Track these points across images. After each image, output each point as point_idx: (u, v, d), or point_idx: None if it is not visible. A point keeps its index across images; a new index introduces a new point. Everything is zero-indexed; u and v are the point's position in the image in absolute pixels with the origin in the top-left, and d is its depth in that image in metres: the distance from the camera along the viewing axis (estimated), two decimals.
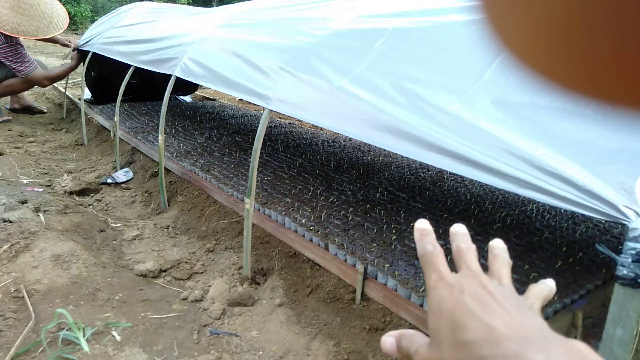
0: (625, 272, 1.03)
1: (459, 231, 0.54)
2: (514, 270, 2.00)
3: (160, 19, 4.28)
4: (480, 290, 0.42)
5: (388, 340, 0.48)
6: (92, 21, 26.83)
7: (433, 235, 0.51)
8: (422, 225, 0.52)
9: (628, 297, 1.04)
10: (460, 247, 0.51)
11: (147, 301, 2.12)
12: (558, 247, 2.26)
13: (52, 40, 5.35)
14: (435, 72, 1.75)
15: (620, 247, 1.10)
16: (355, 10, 2.39)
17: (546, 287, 0.51)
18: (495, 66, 1.61)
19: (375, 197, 2.88)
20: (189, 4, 29.19)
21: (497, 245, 0.54)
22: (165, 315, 2.03)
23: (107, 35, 4.65)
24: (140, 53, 3.74)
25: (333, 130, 1.88)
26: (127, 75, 3.94)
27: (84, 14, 26.56)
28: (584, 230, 2.51)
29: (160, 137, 3.18)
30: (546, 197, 1.20)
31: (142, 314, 2.02)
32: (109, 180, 3.74)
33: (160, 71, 3.31)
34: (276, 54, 2.38)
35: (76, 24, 26.72)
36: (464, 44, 1.78)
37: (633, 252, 1.03)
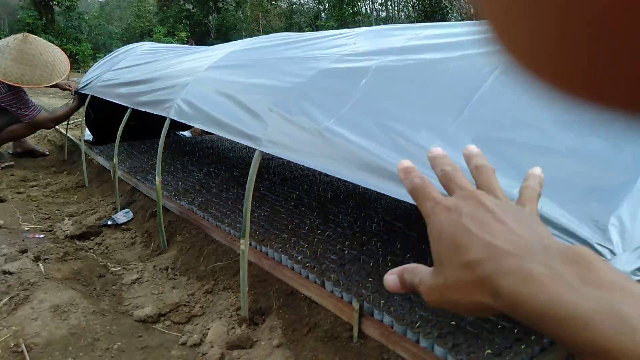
0: None
1: (438, 154, 0.50)
2: None
3: (156, 60, 4.38)
4: (478, 210, 0.41)
5: (391, 277, 0.48)
6: (94, 59, 27.38)
7: (417, 171, 0.49)
8: (405, 164, 0.49)
9: None
10: (446, 170, 0.48)
11: (146, 348, 2.13)
12: None
13: (53, 85, 5.48)
14: (417, 109, 1.79)
15: None
16: (340, 49, 2.46)
17: (535, 180, 0.49)
18: (474, 102, 1.64)
19: (371, 227, 2.89)
20: (187, 37, 29.76)
21: (474, 153, 0.51)
22: None
23: (105, 78, 4.76)
24: (137, 95, 3.83)
25: (322, 171, 1.91)
26: (124, 117, 4.02)
27: (85, 53, 27.13)
28: None
29: (158, 179, 3.23)
30: None
31: None
32: (109, 222, 3.78)
33: (155, 113, 3.38)
34: (265, 96, 2.44)
35: (78, 62, 27.27)
36: (443, 80, 1.83)
37: None
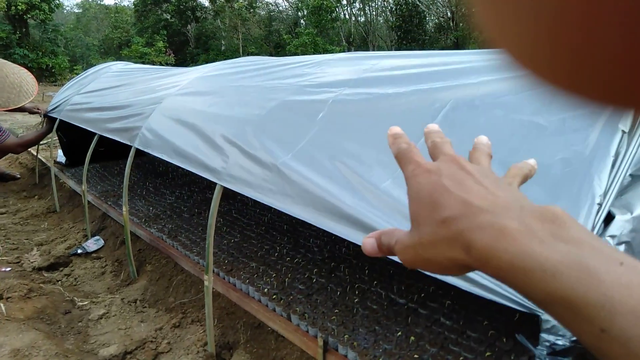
0: None
1: (432, 129, 0.52)
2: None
3: (124, 85, 4.34)
4: (459, 172, 0.41)
5: (368, 241, 0.47)
6: (71, 71, 27.03)
7: (406, 137, 0.49)
8: (394, 130, 0.50)
9: None
10: (435, 141, 0.49)
11: None
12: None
13: (21, 109, 5.38)
14: (370, 146, 1.80)
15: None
16: (300, 79, 2.46)
17: (527, 165, 0.50)
18: (423, 142, 1.65)
19: (341, 252, 2.89)
20: (165, 47, 29.53)
21: (481, 141, 0.53)
22: None
23: (73, 102, 4.70)
24: (104, 121, 3.78)
25: (280, 210, 1.91)
26: (92, 143, 3.98)
27: (62, 65, 26.77)
28: None
29: (124, 209, 3.19)
30: (467, 284, 1.23)
31: None
32: (79, 251, 3.72)
33: (122, 141, 3.34)
34: (227, 127, 2.42)
35: (55, 75, 26.90)
36: (396, 116, 1.84)
37: (547, 344, 1.05)
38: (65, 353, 2.31)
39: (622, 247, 1.15)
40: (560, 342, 1.04)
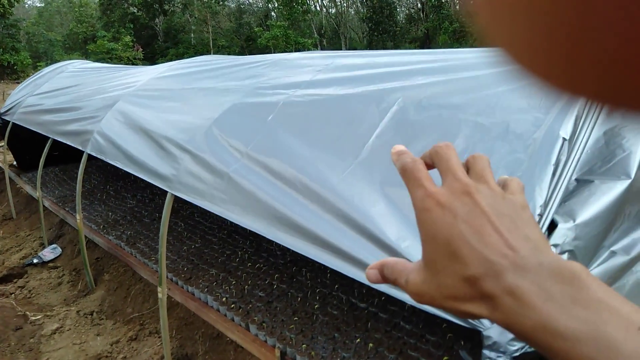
0: None
1: (440, 148, 0.48)
2: None
3: (80, 85, 4.18)
4: (474, 211, 0.40)
5: (372, 272, 0.46)
6: (35, 68, 26.10)
7: (410, 153, 0.46)
8: (398, 148, 0.47)
9: None
10: (440, 145, 0.46)
11: None
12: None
13: None
14: (320, 148, 1.75)
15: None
16: (254, 80, 2.39)
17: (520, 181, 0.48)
18: (370, 143, 1.62)
19: (303, 255, 2.84)
20: (132, 41, 28.84)
21: (478, 154, 0.50)
22: None
23: (27, 104, 4.51)
24: (57, 124, 3.63)
25: (232, 221, 1.84)
26: (46, 147, 3.83)
27: (24, 62, 25.85)
28: None
29: (78, 217, 3.07)
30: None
31: None
32: (35, 261, 3.57)
33: (74, 145, 3.21)
34: (179, 132, 2.34)
35: (17, 72, 25.95)
36: (345, 118, 1.79)
37: None
38: None
39: (565, 256, 1.13)
40: (501, 359, 1.02)
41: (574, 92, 0.21)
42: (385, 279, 0.45)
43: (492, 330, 1.04)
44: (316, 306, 2.29)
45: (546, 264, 0.37)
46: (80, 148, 3.04)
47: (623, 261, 1.24)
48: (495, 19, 0.22)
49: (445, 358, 1.87)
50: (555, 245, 1.14)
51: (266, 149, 1.90)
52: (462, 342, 1.91)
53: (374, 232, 1.37)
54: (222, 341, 2.23)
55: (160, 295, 2.18)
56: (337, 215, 1.50)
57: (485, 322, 1.06)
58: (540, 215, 1.13)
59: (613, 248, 1.25)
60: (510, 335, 1.02)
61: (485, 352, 1.05)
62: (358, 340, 2.01)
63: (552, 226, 1.18)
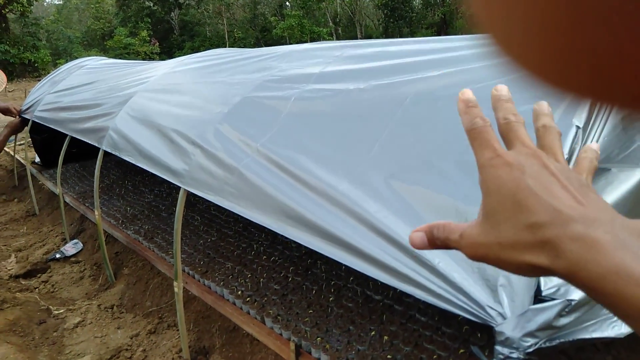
0: None
1: (503, 95, 0.47)
2: None
3: (95, 82, 4.22)
4: (543, 171, 0.40)
5: (417, 235, 0.45)
6: (55, 65, 26.56)
7: (481, 110, 0.45)
8: (467, 96, 0.46)
9: None
10: (509, 119, 0.45)
11: None
12: None
13: None
14: (330, 145, 1.73)
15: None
16: (264, 73, 2.37)
17: (593, 154, 0.48)
18: (383, 139, 1.59)
19: None
20: (149, 36, 29.07)
21: (545, 111, 0.48)
22: None
23: (45, 101, 4.58)
24: (74, 121, 3.69)
25: (243, 215, 1.84)
26: (64, 144, 3.89)
27: (44, 60, 26.29)
28: None
29: (97, 212, 3.12)
30: (423, 293, 1.18)
31: None
32: (57, 256, 3.65)
33: (90, 142, 3.25)
34: (190, 127, 2.34)
35: (38, 70, 26.44)
36: (356, 114, 1.77)
37: (501, 357, 1.01)
38: None
39: None
40: (514, 356, 0.99)
41: (567, 88, 0.21)
42: (433, 241, 0.44)
43: (504, 326, 1.02)
44: (331, 299, 2.28)
45: (619, 221, 0.36)
46: (97, 145, 3.08)
47: None
48: (488, 14, 0.22)
49: (462, 351, 1.85)
50: None
51: (276, 145, 1.89)
52: (479, 335, 1.88)
53: (382, 228, 1.35)
54: (238, 334, 2.25)
55: (176, 289, 2.20)
56: (347, 211, 1.48)
57: (497, 317, 1.03)
58: None
59: None
60: (524, 331, 1.00)
61: (498, 348, 1.02)
62: (373, 333, 2.00)
63: None
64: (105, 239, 3.65)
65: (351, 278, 2.44)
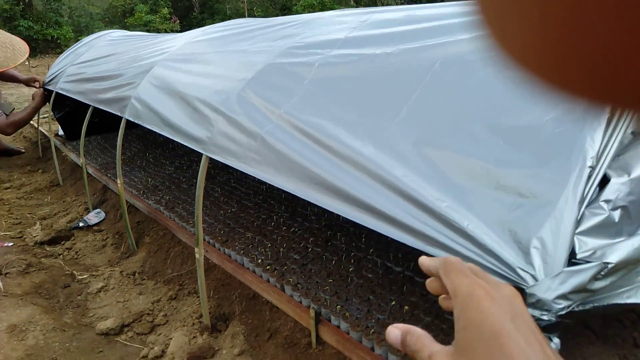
0: None
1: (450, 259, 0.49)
2: None
3: (117, 54, 4.22)
4: (521, 315, 0.40)
5: (394, 332, 0.46)
6: (77, 42, 26.74)
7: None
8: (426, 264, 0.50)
9: None
10: (451, 260, 0.47)
11: None
12: None
13: (15, 80, 5.30)
14: (356, 110, 1.69)
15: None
16: (287, 41, 2.33)
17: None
18: (411, 102, 1.55)
19: (338, 220, 2.83)
20: (169, 14, 29.03)
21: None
22: None
23: (68, 73, 4.61)
24: (97, 92, 3.70)
25: (264, 180, 1.83)
26: (87, 115, 3.92)
27: (67, 36, 26.45)
28: None
29: (119, 181, 3.15)
30: (436, 249, 1.15)
31: None
32: (80, 224, 3.72)
33: (113, 112, 3.27)
34: (213, 94, 2.33)
35: (60, 46, 26.65)
36: (383, 78, 1.72)
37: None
38: (63, 327, 2.31)
39: (617, 212, 1.05)
40: (545, 318, 0.96)
41: (566, 88, 0.20)
42: (404, 346, 0.45)
43: (536, 288, 0.99)
44: (350, 269, 2.28)
45: None
46: (119, 114, 3.09)
47: None
48: (486, 10, 0.21)
49: None
50: (607, 201, 1.06)
51: (300, 111, 1.86)
52: None
53: (410, 192, 1.32)
54: (257, 302, 2.26)
55: (197, 255, 2.22)
56: (373, 176, 1.45)
57: (529, 279, 1.00)
58: (592, 168, 1.05)
59: None
60: (556, 293, 0.97)
61: (529, 310, 0.99)
62: (393, 303, 1.99)
63: (605, 181, 1.10)
64: (127, 208, 3.70)
65: (371, 250, 2.42)
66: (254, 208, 3.10)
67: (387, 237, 2.50)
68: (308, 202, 3.06)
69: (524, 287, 1.00)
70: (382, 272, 2.23)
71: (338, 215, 2.88)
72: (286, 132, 1.82)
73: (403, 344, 0.45)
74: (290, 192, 1.67)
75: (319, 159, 1.64)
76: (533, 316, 0.96)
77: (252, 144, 1.94)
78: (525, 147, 1.19)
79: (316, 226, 2.77)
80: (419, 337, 0.44)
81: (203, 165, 2.19)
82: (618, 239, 1.04)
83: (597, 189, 1.10)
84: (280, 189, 3.23)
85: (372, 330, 1.82)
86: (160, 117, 2.64)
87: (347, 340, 1.84)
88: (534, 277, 1.00)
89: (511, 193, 1.13)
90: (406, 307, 1.94)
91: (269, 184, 3.47)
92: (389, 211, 1.34)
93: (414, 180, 1.35)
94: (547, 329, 0.96)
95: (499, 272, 1.05)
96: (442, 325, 1.83)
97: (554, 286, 0.97)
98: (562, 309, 0.96)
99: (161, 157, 4.55)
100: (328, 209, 1.54)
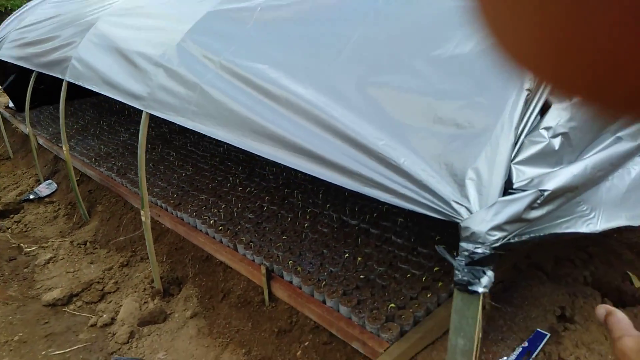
0: (459, 276, 0.93)
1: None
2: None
3: (61, 13, 3.95)
4: None
5: (600, 312, 0.51)
6: None
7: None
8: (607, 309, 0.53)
9: (466, 304, 0.94)
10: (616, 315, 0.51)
11: (51, 335, 2.01)
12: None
13: None
14: (297, 52, 1.58)
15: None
16: None
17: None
18: (354, 40, 1.45)
19: (296, 177, 2.75)
20: None
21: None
22: (69, 349, 1.92)
23: (10, 39, 4.31)
24: (38, 55, 3.47)
25: (205, 133, 1.72)
26: (31, 81, 3.69)
27: (20, 5, 25.03)
28: None
29: (65, 148, 2.98)
30: (387, 194, 1.08)
31: (44, 352, 1.90)
32: (31, 197, 3.54)
33: (54, 74, 3.07)
34: (151, 48, 2.17)
35: None
36: (326, 17, 1.61)
37: (466, 253, 0.93)
38: (6, 300, 2.20)
39: (558, 140, 1.00)
40: (479, 251, 0.91)
41: (566, 91, 0.20)
42: (605, 324, 0.50)
43: (470, 220, 0.93)
44: (306, 225, 2.21)
45: None
46: (60, 76, 2.90)
47: (629, 147, 1.11)
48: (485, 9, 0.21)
49: (436, 269, 1.80)
50: (548, 128, 1.00)
51: (240, 57, 1.74)
52: (455, 254, 1.82)
53: (349, 133, 1.24)
54: (211, 263, 2.19)
55: (143, 218, 2.11)
56: (312, 119, 1.36)
57: (463, 212, 0.94)
58: (530, 91, 0.98)
59: (619, 134, 1.11)
60: (490, 224, 0.91)
61: (463, 244, 0.94)
62: (347, 255, 1.94)
63: (546, 107, 1.03)
64: (80, 177, 3.54)
65: (327, 205, 2.36)
66: (210, 170, 2.99)
67: (345, 191, 2.44)
68: (266, 161, 2.97)
69: (458, 221, 0.95)
70: (337, 226, 2.18)
71: (296, 173, 2.80)
72: (225, 80, 1.71)
73: (605, 322, 0.50)
74: (229, 142, 1.58)
75: (258, 106, 1.54)
76: (467, 250, 0.91)
77: (191, 95, 1.82)
78: (464, 76, 1.11)
79: (273, 185, 2.68)
80: (618, 320, 0.48)
81: (143, 123, 2.06)
82: (558, 167, 0.99)
83: (539, 117, 1.03)
84: (239, 150, 3.12)
85: (324, 283, 1.77)
86: (100, 76, 2.48)
87: (298, 295, 1.79)
88: (468, 209, 0.94)
89: (449, 125, 1.06)
90: (359, 259, 1.89)
91: (227, 146, 3.35)
92: (327, 154, 1.26)
93: (353, 120, 1.26)
94: (482, 262, 0.91)
95: (434, 207, 0.99)
96: (394, 274, 1.79)
97: (488, 217, 0.91)
98: (497, 240, 0.90)
99: (116, 124, 4.35)
100: (266, 157, 1.45)
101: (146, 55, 2.16)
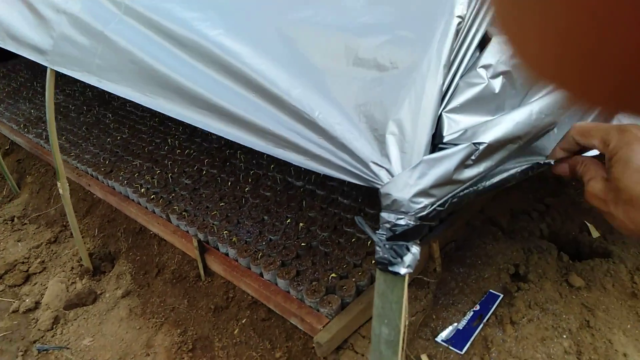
0: (380, 254, 0.76)
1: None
2: None
3: None
4: None
5: (562, 166, 0.57)
6: None
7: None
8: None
9: (389, 286, 0.78)
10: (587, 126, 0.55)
11: None
12: None
13: None
14: None
15: None
16: None
17: None
18: None
19: None
20: None
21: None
22: None
23: None
24: None
25: (110, 91, 1.48)
26: None
27: None
28: None
29: None
30: (302, 157, 0.90)
31: None
32: None
33: None
34: None
35: None
36: None
37: (387, 226, 0.75)
38: None
39: (498, 80, 0.81)
40: (402, 222, 0.74)
41: (588, 100, 0.20)
42: (572, 173, 0.56)
43: (390, 186, 0.75)
44: (247, 189, 2.02)
45: None
46: None
47: None
48: (504, 17, 0.21)
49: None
50: (487, 67, 0.81)
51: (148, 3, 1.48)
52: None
53: (262, 83, 1.03)
54: (145, 235, 1.99)
55: (61, 191, 1.88)
56: (224, 69, 1.14)
57: (384, 175, 0.76)
58: (462, 19, 0.78)
59: None
60: (414, 189, 0.73)
61: (384, 214, 0.77)
62: (289, 220, 1.77)
63: (485, 40, 0.84)
64: (8, 147, 3.23)
65: (272, 166, 2.16)
66: (148, 132, 2.74)
67: None
68: None
69: (378, 186, 0.77)
70: (281, 189, 2.00)
71: None
72: (131, 26, 1.45)
73: (572, 172, 0.55)
74: (138, 102, 1.35)
75: (167, 58, 1.30)
76: (388, 222, 0.74)
77: (96, 46, 1.56)
78: (388, 5, 0.90)
79: (215, 146, 2.46)
80: (587, 165, 0.53)
81: (49, 80, 1.80)
82: (499, 114, 0.81)
83: (477, 53, 0.84)
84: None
85: (261, 254, 1.60)
86: (4, 29, 2.15)
87: (234, 269, 1.62)
88: (389, 172, 0.76)
89: (370, 67, 0.86)
90: (302, 224, 1.72)
91: None
92: (239, 110, 1.06)
93: (268, 68, 1.05)
94: (406, 235, 0.74)
95: (352, 170, 0.81)
96: (338, 240, 1.63)
97: (411, 181, 0.73)
98: (423, 208, 0.73)
99: None
100: (176, 117, 1.23)
101: (48, 1, 1.86)
